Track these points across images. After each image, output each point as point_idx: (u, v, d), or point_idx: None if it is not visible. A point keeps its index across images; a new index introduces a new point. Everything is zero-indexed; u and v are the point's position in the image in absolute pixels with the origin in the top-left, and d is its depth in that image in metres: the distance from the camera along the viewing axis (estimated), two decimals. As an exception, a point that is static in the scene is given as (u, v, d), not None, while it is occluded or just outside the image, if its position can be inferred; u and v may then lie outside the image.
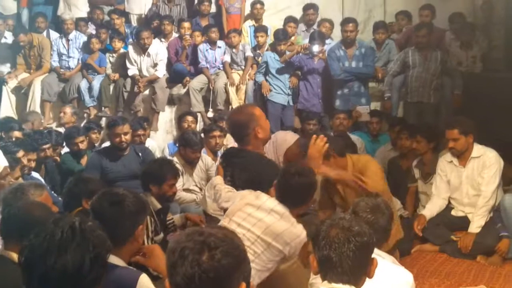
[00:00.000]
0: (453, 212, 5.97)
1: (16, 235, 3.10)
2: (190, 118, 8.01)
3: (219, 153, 7.38)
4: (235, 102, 8.84)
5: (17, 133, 7.09)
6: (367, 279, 2.53)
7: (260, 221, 3.44)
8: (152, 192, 4.87)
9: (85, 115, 9.17)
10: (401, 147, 6.90)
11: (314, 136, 4.14)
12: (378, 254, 2.81)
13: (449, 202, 6.06)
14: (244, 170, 4.10)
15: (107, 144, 7.04)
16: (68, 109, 8.51)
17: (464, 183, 5.92)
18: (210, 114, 8.85)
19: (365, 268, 2.48)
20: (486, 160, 5.80)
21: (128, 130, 6.45)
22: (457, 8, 9.15)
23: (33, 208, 3.33)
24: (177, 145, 7.37)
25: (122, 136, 6.35)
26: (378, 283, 2.77)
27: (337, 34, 9.09)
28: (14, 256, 3.09)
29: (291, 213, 3.51)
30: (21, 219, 3.16)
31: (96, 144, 7.90)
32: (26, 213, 3.22)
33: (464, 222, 5.81)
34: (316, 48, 8.36)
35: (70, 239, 2.06)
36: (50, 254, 2.02)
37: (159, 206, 4.88)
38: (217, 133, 7.25)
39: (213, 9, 10.02)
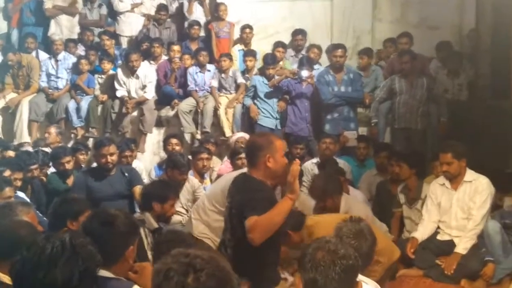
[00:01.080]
0: (438, 237, 6.00)
1: (2, 254, 3.09)
2: (174, 140, 7.95)
3: (206, 176, 7.40)
4: (226, 125, 8.87)
5: (10, 153, 7.13)
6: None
7: None
8: (153, 210, 4.90)
9: (72, 135, 9.16)
10: (391, 173, 6.92)
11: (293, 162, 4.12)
12: (361, 280, 2.82)
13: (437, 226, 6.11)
14: (236, 194, 4.09)
15: (95, 165, 7.03)
16: (53, 129, 8.51)
17: (454, 205, 5.96)
18: (198, 136, 8.86)
19: (350, 291, 2.50)
20: (478, 185, 5.87)
21: (114, 150, 6.41)
22: (444, 37, 9.28)
23: (19, 227, 3.32)
24: (163, 167, 7.37)
25: (108, 157, 6.31)
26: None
27: (325, 59, 9.17)
28: (1, 276, 3.08)
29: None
30: (7, 238, 3.14)
31: (83, 165, 7.89)
32: (12, 232, 3.21)
33: (449, 247, 5.83)
34: (304, 73, 8.42)
35: (60, 253, 2.09)
36: (40, 268, 2.05)
37: (156, 225, 4.90)
38: (204, 155, 7.26)
39: (202, 33, 10.08)
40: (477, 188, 5.86)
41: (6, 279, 3.05)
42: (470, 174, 5.94)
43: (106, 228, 3.02)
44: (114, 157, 6.41)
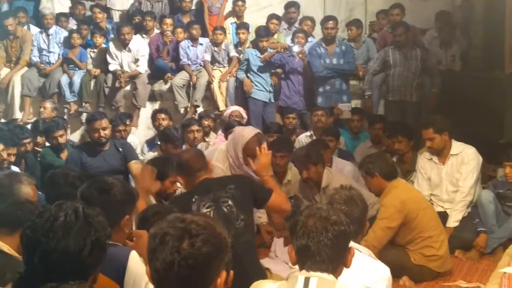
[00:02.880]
0: (432, 208, 6.05)
1: (9, 226, 3.14)
2: (161, 115, 7.90)
3: (199, 148, 7.41)
4: (220, 99, 8.85)
5: None
6: (344, 269, 2.56)
7: None
8: None
9: (65, 110, 9.12)
10: (387, 146, 6.88)
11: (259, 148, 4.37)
12: (355, 248, 2.84)
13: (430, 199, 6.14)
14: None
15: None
16: (48, 104, 8.47)
17: (444, 180, 6.01)
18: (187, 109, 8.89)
19: (343, 257, 2.51)
20: (464, 156, 5.91)
21: (106, 125, 6.34)
22: (437, 8, 9.23)
23: (26, 202, 3.39)
24: (155, 142, 7.37)
25: (101, 131, 6.23)
26: (356, 275, 2.81)
27: (318, 32, 9.12)
28: (1, 244, 3.12)
29: None
30: (14, 213, 3.19)
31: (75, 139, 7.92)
32: (19, 207, 3.24)
33: (443, 218, 5.86)
34: (295, 48, 8.39)
35: (73, 222, 2.10)
36: (53, 235, 2.06)
37: (154, 202, 4.87)
38: (195, 127, 7.28)
39: (194, 5, 10.02)
40: (464, 159, 5.92)
41: (6, 248, 3.12)
42: (456, 147, 5.96)
43: (103, 195, 3.03)
44: (107, 131, 6.34)
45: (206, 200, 4.03)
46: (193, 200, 4.08)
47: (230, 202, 3.98)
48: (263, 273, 4.11)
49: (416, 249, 5.02)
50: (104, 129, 6.27)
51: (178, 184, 5.22)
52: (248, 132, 5.38)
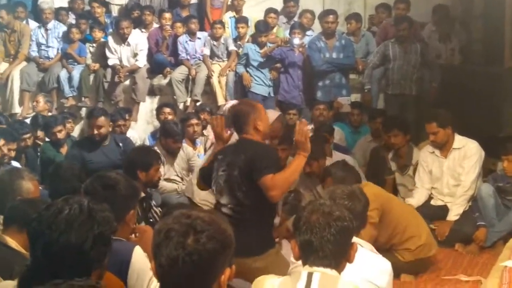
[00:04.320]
0: (432, 202, 6.06)
1: (19, 223, 3.16)
2: (167, 109, 7.89)
3: (198, 142, 7.43)
4: (219, 94, 8.85)
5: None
6: (347, 264, 2.57)
7: None
8: (138, 179, 4.90)
9: (65, 105, 9.11)
10: (386, 142, 6.84)
11: (297, 122, 4.15)
12: (357, 242, 2.84)
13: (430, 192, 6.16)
14: (239, 157, 4.07)
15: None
16: (41, 98, 8.48)
17: (445, 173, 6.02)
18: (187, 103, 8.88)
19: (346, 252, 2.52)
20: (467, 150, 5.91)
21: (102, 123, 6.29)
22: (437, 1, 9.21)
23: (37, 200, 3.43)
24: (157, 136, 7.38)
25: (95, 129, 6.23)
26: (357, 269, 2.81)
27: (317, 26, 9.11)
28: (9, 240, 3.15)
29: None
30: (25, 211, 3.19)
31: (72, 134, 7.92)
32: (30, 205, 3.25)
33: (443, 211, 5.90)
34: (296, 41, 8.37)
35: (76, 215, 2.11)
36: (55, 228, 2.07)
37: (142, 194, 4.90)
38: (194, 121, 7.32)
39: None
40: (466, 153, 5.93)
41: (14, 244, 3.15)
42: (458, 141, 5.97)
43: (108, 191, 3.06)
44: (103, 130, 6.30)
45: (224, 163, 4.08)
46: (218, 158, 4.16)
47: (236, 172, 3.98)
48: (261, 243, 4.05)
49: (401, 247, 4.97)
50: (99, 127, 6.24)
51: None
52: (272, 113, 5.40)
